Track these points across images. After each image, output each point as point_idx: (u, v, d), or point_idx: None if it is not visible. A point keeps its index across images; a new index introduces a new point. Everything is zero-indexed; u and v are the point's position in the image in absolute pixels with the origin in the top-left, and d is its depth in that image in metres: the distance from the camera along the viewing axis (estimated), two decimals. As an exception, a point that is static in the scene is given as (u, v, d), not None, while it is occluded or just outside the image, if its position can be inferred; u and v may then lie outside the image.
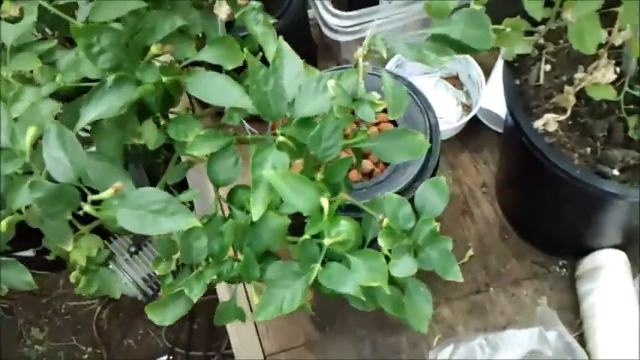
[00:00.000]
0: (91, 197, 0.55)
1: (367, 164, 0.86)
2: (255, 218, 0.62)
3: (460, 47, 0.63)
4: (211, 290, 0.76)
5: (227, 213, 0.71)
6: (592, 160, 0.77)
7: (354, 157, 0.70)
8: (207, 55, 0.67)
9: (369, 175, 0.86)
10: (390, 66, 1.11)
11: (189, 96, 1.12)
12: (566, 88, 0.77)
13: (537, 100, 0.81)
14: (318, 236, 0.62)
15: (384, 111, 0.63)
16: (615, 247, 0.94)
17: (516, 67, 0.83)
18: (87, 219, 0.60)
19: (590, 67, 0.76)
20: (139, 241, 1.59)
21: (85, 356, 1.80)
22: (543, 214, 0.96)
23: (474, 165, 1.10)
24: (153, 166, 1.46)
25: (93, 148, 0.68)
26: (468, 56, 1.10)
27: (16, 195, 0.56)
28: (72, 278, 0.64)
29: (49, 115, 0.60)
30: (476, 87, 1.11)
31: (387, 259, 0.64)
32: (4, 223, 0.56)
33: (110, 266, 1.54)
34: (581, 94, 0.77)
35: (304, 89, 0.63)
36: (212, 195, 0.72)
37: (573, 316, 0.96)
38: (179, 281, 0.66)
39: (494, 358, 0.88)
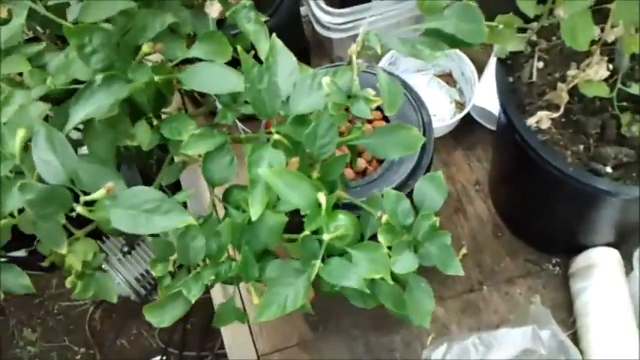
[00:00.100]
0: (83, 198, 0.54)
1: (361, 162, 0.85)
2: (254, 218, 0.61)
3: (453, 41, 0.63)
4: (204, 290, 0.76)
5: (221, 213, 0.71)
6: (585, 158, 0.77)
7: (350, 154, 0.70)
8: (197, 51, 0.67)
9: (363, 173, 0.86)
10: (383, 64, 1.11)
11: (182, 96, 1.12)
12: (559, 85, 0.77)
13: (530, 97, 0.81)
14: (316, 232, 0.62)
15: (377, 109, 0.62)
16: (608, 244, 0.94)
17: (509, 65, 0.83)
18: (81, 223, 0.60)
19: (583, 64, 0.76)
20: (132, 241, 1.58)
21: (78, 357, 1.79)
22: (536, 211, 0.96)
23: (467, 162, 1.10)
24: (146, 167, 1.45)
25: (84, 149, 0.67)
26: (461, 53, 1.10)
27: (8, 198, 0.56)
28: (68, 283, 0.63)
29: (38, 117, 0.60)
30: (469, 84, 1.10)
31: (387, 256, 0.63)
32: (-1, 226, 0.55)
33: (103, 266, 1.53)
34: (574, 91, 0.77)
35: (299, 87, 0.62)
36: (205, 196, 0.71)
37: (567, 314, 0.96)
38: (177, 282, 0.66)
39: (488, 357, 0.88)
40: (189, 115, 0.68)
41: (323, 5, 1.08)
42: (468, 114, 1.09)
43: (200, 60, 0.66)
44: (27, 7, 0.65)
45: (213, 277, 0.65)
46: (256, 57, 0.68)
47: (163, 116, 0.69)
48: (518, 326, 0.89)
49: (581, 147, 0.78)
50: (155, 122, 0.67)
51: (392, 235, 0.64)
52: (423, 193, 0.67)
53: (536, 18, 0.70)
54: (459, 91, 1.15)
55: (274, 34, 0.64)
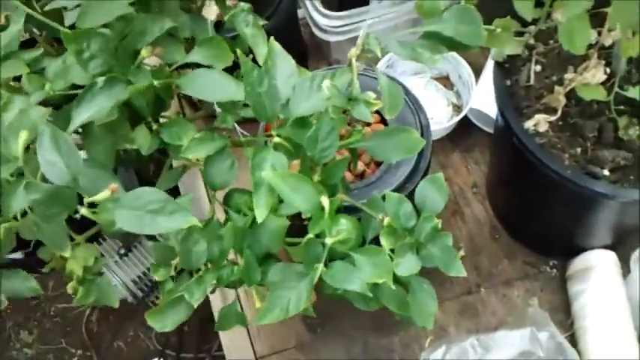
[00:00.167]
0: (87, 199, 0.54)
1: (359, 165, 0.85)
2: (259, 220, 0.61)
3: (452, 44, 0.64)
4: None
5: (220, 216, 0.71)
6: (582, 161, 0.77)
7: (350, 157, 0.70)
8: (196, 56, 0.66)
9: (361, 175, 0.86)
10: (380, 66, 1.11)
11: (180, 99, 1.12)
12: (557, 88, 0.77)
13: (528, 100, 0.81)
14: (319, 236, 0.62)
15: (375, 111, 0.63)
16: (606, 247, 0.94)
17: (507, 68, 0.83)
18: (81, 228, 0.60)
19: (580, 67, 0.76)
20: (129, 243, 1.58)
21: (75, 359, 1.79)
22: (534, 214, 0.96)
23: (465, 165, 1.11)
24: (142, 169, 1.45)
25: (83, 153, 0.67)
26: (458, 56, 1.11)
27: (12, 199, 0.56)
28: (69, 289, 0.63)
29: (40, 118, 0.60)
30: (466, 87, 1.11)
31: (390, 258, 0.63)
32: (2, 229, 0.55)
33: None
34: (571, 95, 0.77)
35: (298, 89, 0.62)
36: (204, 199, 0.71)
37: (564, 316, 0.96)
38: (178, 287, 0.66)
39: (486, 358, 0.88)
40: (188, 119, 0.67)
41: (320, 8, 1.08)
42: (465, 117, 1.09)
43: (199, 65, 0.66)
44: (24, 14, 0.65)
45: (215, 282, 0.65)
46: (254, 60, 0.68)
47: (162, 120, 0.69)
48: (516, 328, 0.90)
49: (579, 150, 0.78)
50: (154, 126, 0.67)
51: (394, 238, 0.64)
52: (425, 195, 0.68)
53: (534, 21, 0.70)
54: (456, 93, 1.15)
55: (272, 38, 0.64)
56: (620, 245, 0.95)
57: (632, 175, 0.75)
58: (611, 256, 0.94)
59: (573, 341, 0.92)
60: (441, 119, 1.12)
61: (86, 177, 0.57)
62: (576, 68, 0.77)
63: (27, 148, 0.57)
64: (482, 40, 0.62)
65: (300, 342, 0.99)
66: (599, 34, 0.72)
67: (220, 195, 0.71)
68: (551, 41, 0.83)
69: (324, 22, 1.09)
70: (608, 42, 0.74)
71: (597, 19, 0.68)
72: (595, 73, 0.73)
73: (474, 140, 1.12)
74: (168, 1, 0.69)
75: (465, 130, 1.11)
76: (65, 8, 0.68)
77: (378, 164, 0.85)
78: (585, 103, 0.78)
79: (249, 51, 0.72)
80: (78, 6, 0.64)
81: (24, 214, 0.57)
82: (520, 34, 0.75)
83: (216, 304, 0.99)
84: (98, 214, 0.54)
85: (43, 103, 0.63)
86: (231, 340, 1.01)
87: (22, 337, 1.83)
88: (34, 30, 0.77)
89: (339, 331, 0.99)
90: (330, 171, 0.65)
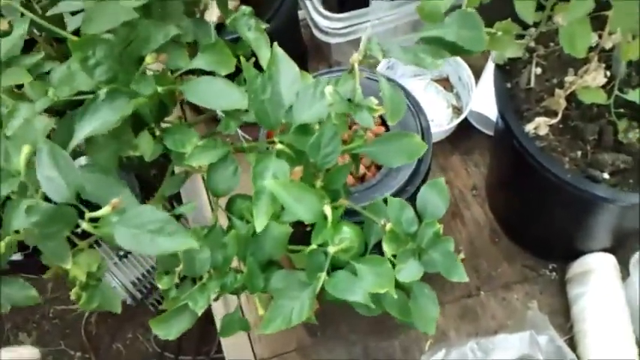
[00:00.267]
0: (88, 215, 0.54)
1: (360, 168, 0.85)
2: (258, 229, 0.61)
3: (454, 49, 0.63)
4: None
5: (223, 222, 0.70)
6: (582, 164, 0.77)
7: (353, 162, 0.70)
8: (200, 62, 0.66)
9: (361, 179, 0.86)
10: (380, 68, 1.11)
11: (181, 104, 1.12)
12: (557, 91, 0.77)
13: (528, 103, 0.81)
14: (321, 245, 0.62)
15: (376, 115, 0.62)
16: (605, 250, 0.94)
17: (507, 71, 0.84)
18: (84, 233, 0.59)
19: (581, 70, 0.76)
20: (128, 245, 1.58)
21: (74, 361, 1.78)
22: (534, 217, 0.96)
23: (465, 167, 1.11)
24: (142, 172, 1.45)
25: (83, 159, 0.67)
26: (458, 58, 1.11)
27: (13, 217, 0.55)
28: (73, 295, 0.63)
29: (42, 131, 0.59)
30: (466, 89, 1.11)
31: (392, 264, 0.63)
32: (3, 244, 0.55)
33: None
34: (571, 98, 0.77)
35: (301, 96, 0.62)
36: (205, 204, 0.71)
37: (564, 319, 0.96)
38: (182, 294, 0.66)
39: (486, 361, 0.88)
40: (190, 124, 0.67)
41: (321, 10, 1.08)
42: (465, 119, 1.09)
43: (202, 70, 0.66)
44: (28, 21, 0.64)
45: (218, 289, 0.65)
46: (256, 64, 0.67)
47: (165, 125, 0.68)
48: (516, 332, 0.90)
49: (579, 153, 0.78)
50: (157, 132, 0.66)
51: (396, 244, 0.64)
52: (426, 200, 0.68)
53: (535, 24, 0.70)
54: (456, 95, 1.15)
55: (275, 43, 0.64)
56: (619, 248, 0.95)
57: (632, 179, 0.76)
58: (610, 260, 0.94)
59: (573, 344, 0.92)
60: (440, 121, 1.12)
61: (91, 183, 0.57)
62: (577, 71, 0.78)
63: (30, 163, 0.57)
64: (485, 45, 0.62)
65: (300, 345, 0.99)
66: (600, 37, 0.72)
67: (222, 200, 0.71)
68: (552, 44, 0.83)
69: (324, 23, 1.09)
70: (608, 45, 0.74)
71: (598, 22, 0.68)
72: (595, 76, 0.74)
73: (474, 143, 1.12)
74: (171, 5, 0.68)
75: (464, 132, 1.11)
76: (74, 13, 0.67)
77: (379, 167, 0.85)
78: (585, 106, 0.78)
79: (251, 54, 0.72)
80: (79, 12, 0.64)
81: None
82: (521, 37, 0.75)
83: (217, 307, 0.99)
84: (100, 228, 0.54)
85: (48, 109, 0.63)
86: (232, 343, 1.00)
87: (20, 338, 1.82)
88: (34, 31, 0.77)
89: (339, 334, 0.99)
90: (333, 177, 0.65)
